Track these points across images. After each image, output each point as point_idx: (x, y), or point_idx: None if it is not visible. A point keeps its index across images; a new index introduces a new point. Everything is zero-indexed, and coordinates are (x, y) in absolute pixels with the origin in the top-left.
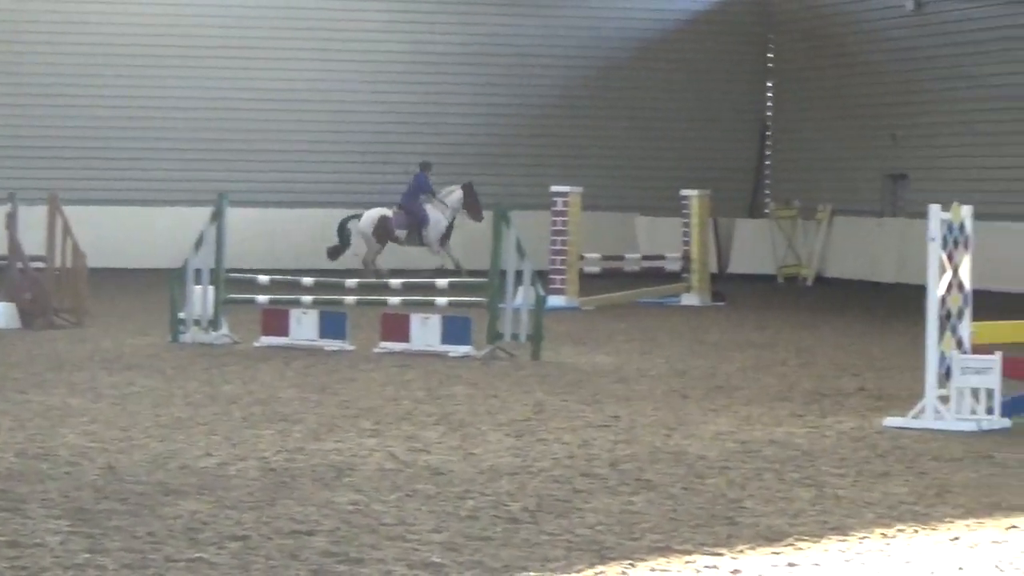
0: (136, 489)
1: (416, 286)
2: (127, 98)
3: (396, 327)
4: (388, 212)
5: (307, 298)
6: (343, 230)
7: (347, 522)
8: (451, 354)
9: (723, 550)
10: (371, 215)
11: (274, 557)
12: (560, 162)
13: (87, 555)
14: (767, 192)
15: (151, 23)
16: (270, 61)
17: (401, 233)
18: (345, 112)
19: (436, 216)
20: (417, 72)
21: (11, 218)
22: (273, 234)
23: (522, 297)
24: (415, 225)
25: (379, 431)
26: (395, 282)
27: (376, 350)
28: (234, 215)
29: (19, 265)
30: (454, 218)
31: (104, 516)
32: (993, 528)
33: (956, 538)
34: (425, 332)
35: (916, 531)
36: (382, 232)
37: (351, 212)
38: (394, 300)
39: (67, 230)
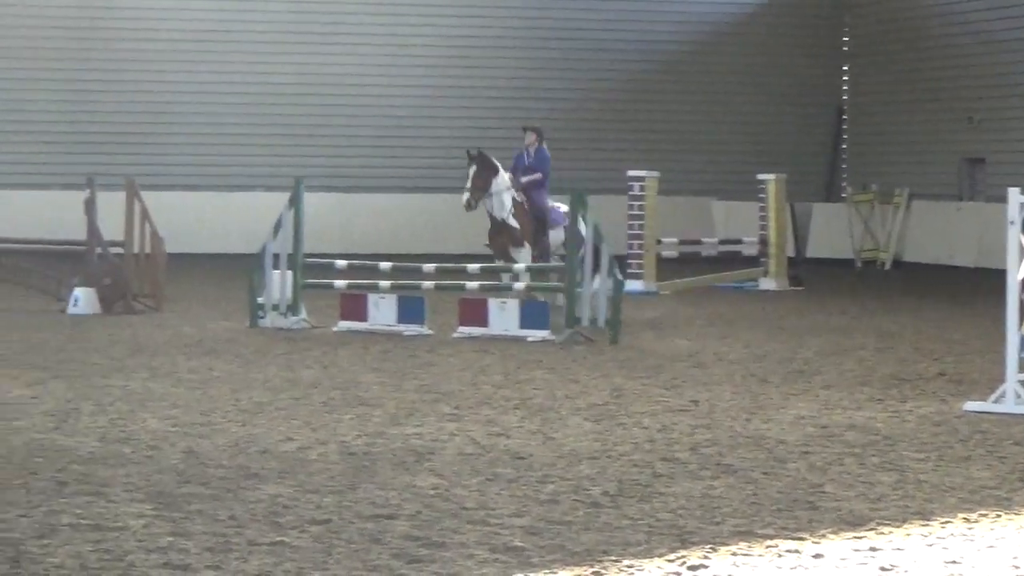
0: (217, 473)
1: (493, 270)
2: (204, 83)
3: (474, 312)
4: None
5: (385, 283)
6: None
7: (428, 506)
8: (529, 339)
9: (805, 535)
10: None
11: (356, 541)
12: (636, 146)
13: (170, 538)
14: (843, 176)
15: (220, 8)
16: (341, 46)
17: None
18: (423, 98)
19: None
20: (492, 58)
21: (90, 204)
22: (350, 219)
23: (600, 282)
24: None
25: (459, 415)
26: (472, 267)
27: (454, 335)
28: (311, 200)
29: (98, 250)
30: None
31: (186, 500)
32: None
33: None
34: (503, 317)
35: (999, 516)
36: None
37: None
38: (472, 285)
39: (145, 215)
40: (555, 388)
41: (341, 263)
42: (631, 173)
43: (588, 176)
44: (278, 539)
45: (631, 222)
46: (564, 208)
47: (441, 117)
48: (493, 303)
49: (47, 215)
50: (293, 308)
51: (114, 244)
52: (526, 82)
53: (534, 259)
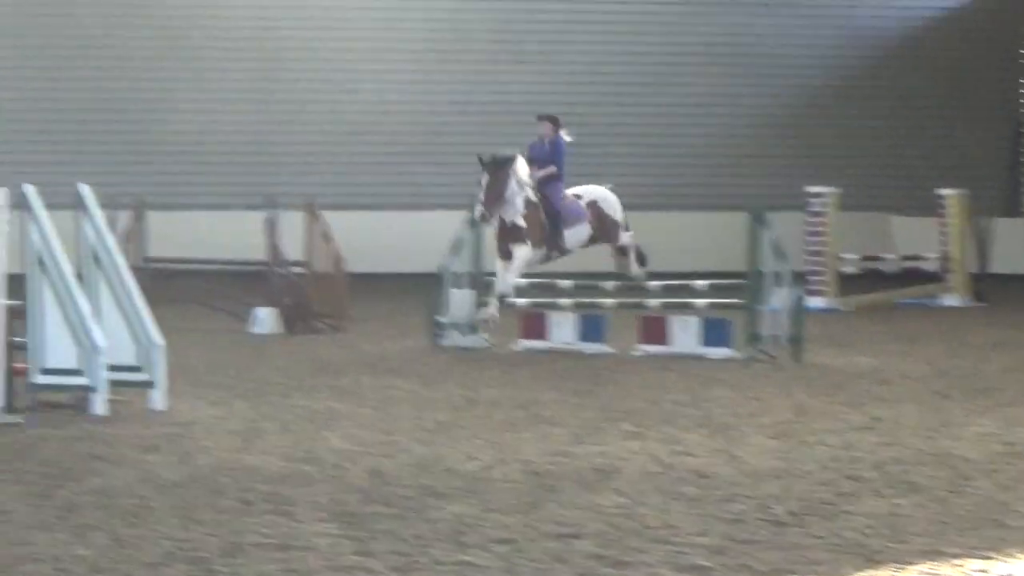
0: (401, 492)
1: (673, 288)
2: (380, 103)
3: (655, 329)
4: None
5: (566, 301)
6: None
7: (612, 525)
8: (711, 356)
9: (993, 554)
10: None
11: (540, 560)
12: (812, 162)
13: (356, 557)
14: None
15: (399, 27)
16: (507, 64)
17: None
18: (588, 114)
19: None
20: (668, 72)
21: (271, 224)
22: None
23: (781, 299)
24: None
25: (641, 434)
26: (653, 284)
27: (635, 353)
28: None
29: (279, 271)
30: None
31: (371, 519)
32: None
33: None
34: (684, 334)
35: None
36: None
37: None
38: (653, 302)
39: (327, 236)
40: (737, 406)
41: (521, 282)
42: (810, 189)
43: (764, 193)
44: (463, 558)
45: (811, 238)
46: (585, 198)
47: (610, 134)
48: (674, 321)
49: (230, 236)
50: (474, 327)
51: (296, 264)
52: (702, 97)
53: (545, 259)
